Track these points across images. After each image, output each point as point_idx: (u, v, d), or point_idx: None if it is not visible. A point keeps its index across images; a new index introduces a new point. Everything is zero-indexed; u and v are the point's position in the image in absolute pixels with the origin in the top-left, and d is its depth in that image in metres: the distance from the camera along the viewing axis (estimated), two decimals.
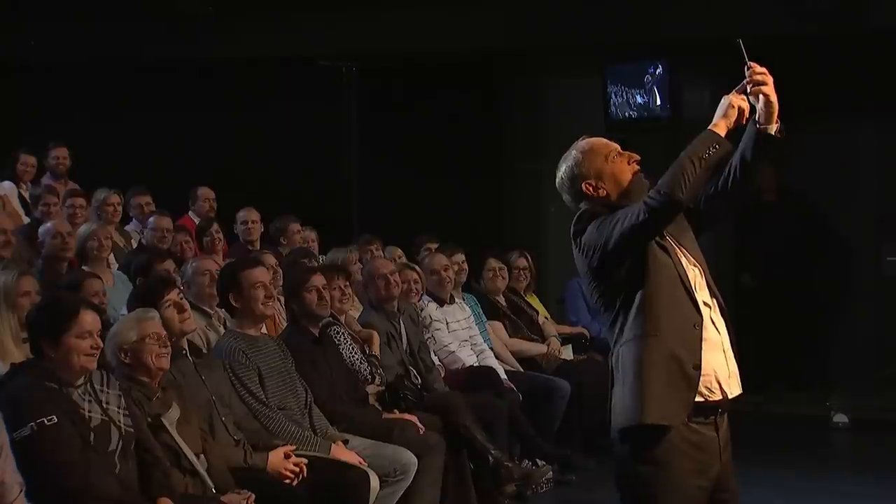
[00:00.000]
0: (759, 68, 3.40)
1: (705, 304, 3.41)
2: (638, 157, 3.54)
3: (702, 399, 3.34)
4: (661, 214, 3.30)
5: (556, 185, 3.60)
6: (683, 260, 3.43)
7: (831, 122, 9.40)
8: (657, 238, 3.38)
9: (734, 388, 3.42)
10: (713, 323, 3.41)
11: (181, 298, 4.93)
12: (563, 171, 3.56)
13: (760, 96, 3.38)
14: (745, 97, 3.41)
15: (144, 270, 5.95)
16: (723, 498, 3.45)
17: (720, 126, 3.36)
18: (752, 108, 3.43)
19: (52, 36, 10.42)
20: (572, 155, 3.55)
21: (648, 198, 3.29)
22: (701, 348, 3.34)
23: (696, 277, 3.44)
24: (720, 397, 3.38)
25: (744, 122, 3.41)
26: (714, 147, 3.30)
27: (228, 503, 4.24)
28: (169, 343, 4.43)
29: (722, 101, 3.41)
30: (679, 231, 3.45)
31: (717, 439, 3.40)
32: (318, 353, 5.60)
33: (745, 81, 3.41)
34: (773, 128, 3.39)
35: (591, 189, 3.50)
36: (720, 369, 3.38)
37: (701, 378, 3.33)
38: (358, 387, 5.80)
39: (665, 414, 3.30)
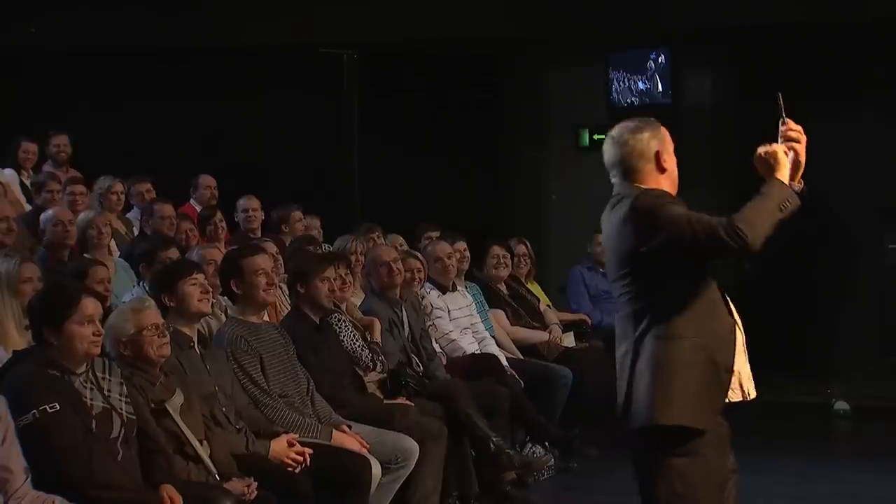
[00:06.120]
0: (794, 125, 3.43)
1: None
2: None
3: (727, 400, 3.45)
4: (730, 252, 3.31)
5: (615, 138, 3.53)
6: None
7: (833, 110, 9.40)
8: None
9: (752, 390, 3.51)
10: (739, 325, 3.49)
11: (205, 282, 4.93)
12: (641, 133, 3.51)
13: (791, 153, 3.41)
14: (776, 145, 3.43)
15: (149, 258, 5.95)
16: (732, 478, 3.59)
17: (785, 178, 3.36)
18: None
19: (54, 24, 10.41)
20: (654, 125, 3.52)
21: (732, 232, 3.25)
22: (734, 352, 3.41)
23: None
24: (740, 398, 3.48)
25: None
26: (788, 201, 3.33)
27: (231, 490, 4.25)
28: (167, 331, 4.43)
29: (764, 155, 3.39)
30: None
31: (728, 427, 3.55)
32: (320, 340, 5.60)
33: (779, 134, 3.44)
34: (797, 186, 3.43)
35: (654, 162, 3.48)
36: (743, 370, 3.48)
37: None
38: (357, 375, 5.80)
39: (701, 417, 3.38)
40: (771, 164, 3.38)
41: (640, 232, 3.38)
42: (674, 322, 3.37)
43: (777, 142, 3.44)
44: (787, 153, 3.40)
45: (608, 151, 3.56)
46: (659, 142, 3.51)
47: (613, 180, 3.58)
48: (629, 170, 3.50)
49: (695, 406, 3.35)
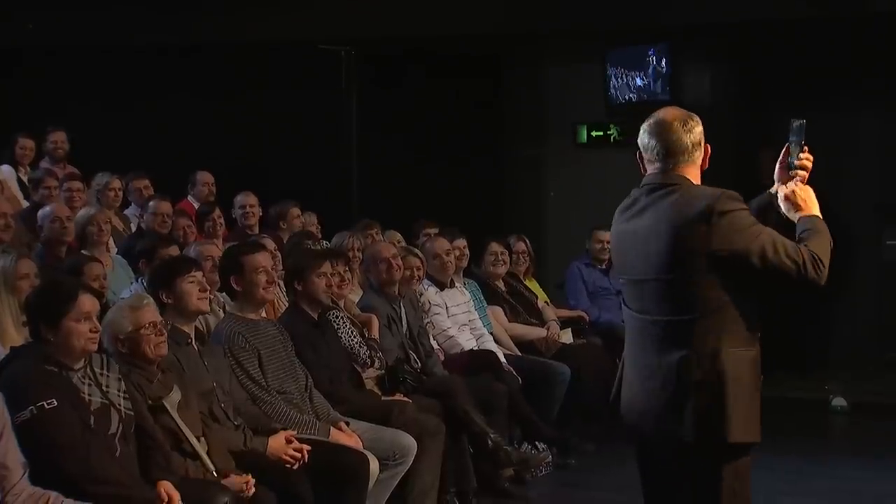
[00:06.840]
0: (809, 156, 3.51)
1: None
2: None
3: None
4: (804, 283, 3.32)
5: (674, 123, 3.43)
6: None
7: (832, 105, 9.39)
8: None
9: None
10: None
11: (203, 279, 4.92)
12: (699, 125, 3.46)
13: (796, 179, 3.50)
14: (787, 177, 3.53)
15: (148, 255, 5.95)
16: None
17: (818, 214, 3.48)
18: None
19: (51, 20, 10.40)
20: (699, 122, 3.47)
21: (817, 265, 3.31)
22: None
23: None
24: None
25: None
26: (832, 238, 3.41)
27: (229, 486, 4.25)
28: (165, 329, 4.43)
29: (799, 192, 3.49)
30: None
31: None
32: (318, 337, 5.60)
33: (792, 158, 3.52)
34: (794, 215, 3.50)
35: (703, 156, 3.46)
36: None
37: None
38: (355, 372, 5.80)
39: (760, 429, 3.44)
40: (807, 200, 3.48)
41: (716, 235, 3.29)
42: (737, 334, 3.34)
43: (788, 157, 3.52)
44: (793, 177, 3.49)
45: (658, 134, 3.41)
46: (701, 142, 3.47)
47: (652, 166, 3.45)
48: (681, 158, 3.42)
49: (758, 419, 3.40)
